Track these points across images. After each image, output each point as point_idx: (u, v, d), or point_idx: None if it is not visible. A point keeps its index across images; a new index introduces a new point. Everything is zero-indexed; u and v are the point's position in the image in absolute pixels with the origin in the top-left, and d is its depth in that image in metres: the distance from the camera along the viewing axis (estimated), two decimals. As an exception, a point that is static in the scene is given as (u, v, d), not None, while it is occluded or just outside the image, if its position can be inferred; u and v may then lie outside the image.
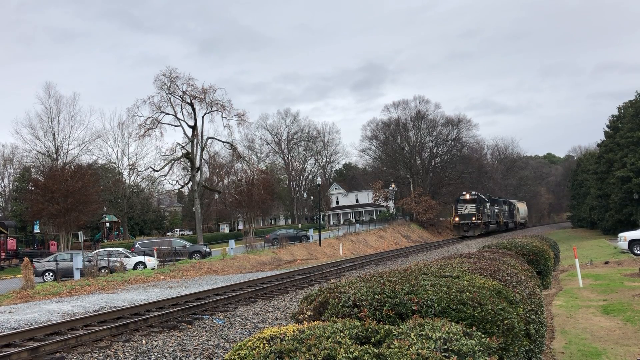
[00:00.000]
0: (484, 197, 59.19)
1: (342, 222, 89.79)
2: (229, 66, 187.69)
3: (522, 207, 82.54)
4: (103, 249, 34.07)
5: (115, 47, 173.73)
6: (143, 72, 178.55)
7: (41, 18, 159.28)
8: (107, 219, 59.51)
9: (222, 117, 51.58)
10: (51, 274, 28.12)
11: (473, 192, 58.33)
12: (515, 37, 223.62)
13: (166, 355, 9.46)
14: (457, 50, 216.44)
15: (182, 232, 77.24)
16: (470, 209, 55.01)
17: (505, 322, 4.53)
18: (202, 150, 53.41)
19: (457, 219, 55.91)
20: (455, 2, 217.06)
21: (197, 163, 51.80)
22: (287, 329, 3.69)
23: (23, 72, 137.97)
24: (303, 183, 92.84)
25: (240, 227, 79.20)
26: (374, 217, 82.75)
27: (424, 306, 4.58)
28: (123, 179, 67.59)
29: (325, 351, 3.15)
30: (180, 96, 49.94)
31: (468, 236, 54.73)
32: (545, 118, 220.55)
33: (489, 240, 45.79)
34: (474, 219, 54.45)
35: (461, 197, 57.46)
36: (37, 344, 9.95)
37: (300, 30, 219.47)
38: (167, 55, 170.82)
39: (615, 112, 52.27)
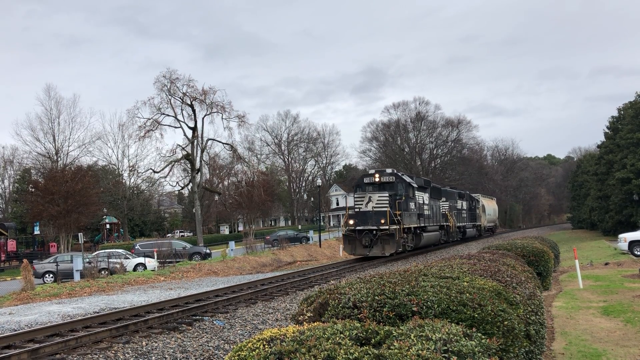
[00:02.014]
0: (410, 179, 29.42)
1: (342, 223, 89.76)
2: (232, 71, 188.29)
3: (489, 205, 55.63)
4: (103, 251, 34.09)
5: (121, 52, 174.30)
6: (148, 76, 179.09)
7: (49, 24, 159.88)
8: (107, 220, 59.60)
9: (222, 118, 51.81)
10: (51, 275, 28.13)
11: (388, 170, 28.41)
12: (513, 41, 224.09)
13: (166, 356, 9.46)
14: (456, 54, 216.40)
15: (182, 234, 77.23)
16: (377, 201, 26.19)
17: (506, 323, 4.54)
18: (202, 151, 53.55)
19: (350, 221, 26.71)
20: (456, 8, 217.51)
21: (197, 164, 51.85)
22: (287, 330, 3.70)
23: (30, 77, 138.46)
24: (303, 184, 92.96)
25: (240, 228, 79.18)
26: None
27: (424, 307, 4.59)
28: (123, 181, 67.80)
29: (325, 352, 3.16)
30: (180, 98, 50.08)
31: (371, 257, 26.24)
32: (544, 120, 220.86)
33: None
34: (383, 221, 25.41)
35: (365, 180, 28.26)
36: (37, 345, 9.94)
37: (302, 36, 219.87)
38: (172, 60, 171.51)
39: (615, 114, 52.44)
